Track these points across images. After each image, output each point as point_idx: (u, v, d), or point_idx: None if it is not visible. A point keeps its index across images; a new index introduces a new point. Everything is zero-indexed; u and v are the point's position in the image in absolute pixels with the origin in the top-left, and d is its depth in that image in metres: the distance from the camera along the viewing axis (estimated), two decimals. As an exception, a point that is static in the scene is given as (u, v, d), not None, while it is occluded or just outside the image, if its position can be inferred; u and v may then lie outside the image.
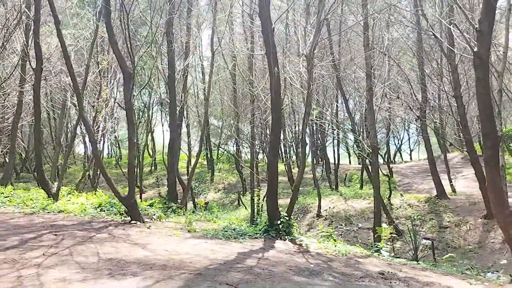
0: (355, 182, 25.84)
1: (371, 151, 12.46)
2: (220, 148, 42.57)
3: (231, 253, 7.31)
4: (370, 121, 12.33)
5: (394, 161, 41.46)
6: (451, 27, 7.39)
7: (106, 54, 18.07)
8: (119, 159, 40.08)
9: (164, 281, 5.30)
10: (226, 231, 9.33)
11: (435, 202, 18.37)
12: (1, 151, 19.91)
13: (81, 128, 39.56)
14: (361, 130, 23.70)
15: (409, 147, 47.48)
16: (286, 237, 9.15)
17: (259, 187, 20.24)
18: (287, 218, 9.36)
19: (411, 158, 46.72)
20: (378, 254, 9.43)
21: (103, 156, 32.05)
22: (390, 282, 6.29)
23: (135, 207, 9.68)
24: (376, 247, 10.23)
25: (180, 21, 18.90)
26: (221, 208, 25.99)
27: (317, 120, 18.99)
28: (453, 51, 16.64)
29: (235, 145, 34.25)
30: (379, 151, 23.08)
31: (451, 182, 21.13)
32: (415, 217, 17.36)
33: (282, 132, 25.63)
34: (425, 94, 19.01)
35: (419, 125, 20.71)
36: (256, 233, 9.35)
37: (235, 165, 35.14)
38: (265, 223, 9.48)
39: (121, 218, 10.19)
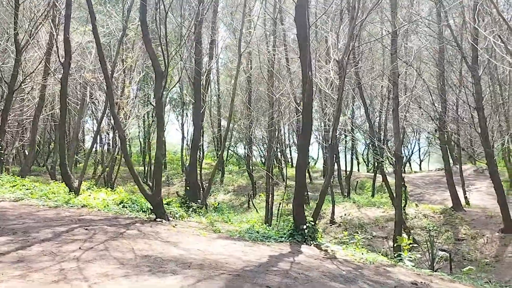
0: (367, 190, 25.72)
1: (394, 159, 12.41)
2: (229, 150, 42.55)
3: (262, 255, 7.28)
4: (395, 129, 12.28)
5: (404, 171, 41.22)
6: (491, 38, 7.30)
7: (131, 51, 18.14)
8: (130, 157, 40.09)
9: (205, 280, 5.29)
10: (252, 234, 9.31)
11: (451, 214, 18.26)
12: (18, 144, 20.05)
13: (93, 125, 39.78)
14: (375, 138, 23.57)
15: (419, 157, 47.22)
16: (311, 242, 9.10)
17: (269, 192, 20.17)
18: (312, 223, 9.32)
19: (420, 169, 46.44)
20: (402, 264, 9.36)
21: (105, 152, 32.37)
22: (426, 293, 6.23)
23: (160, 206, 9.69)
24: (399, 256, 10.15)
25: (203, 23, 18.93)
26: (231, 210, 25.95)
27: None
28: (476, 62, 16.60)
29: (246, 148, 34.24)
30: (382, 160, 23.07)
31: (465, 194, 21.00)
32: (431, 228, 17.24)
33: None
34: (445, 104, 18.94)
35: (436, 136, 20.57)
36: (281, 237, 9.31)
37: (245, 167, 35.13)
38: (290, 227, 9.44)
39: (146, 215, 10.20)
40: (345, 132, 29.09)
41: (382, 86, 23.49)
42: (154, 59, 9.62)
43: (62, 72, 17.32)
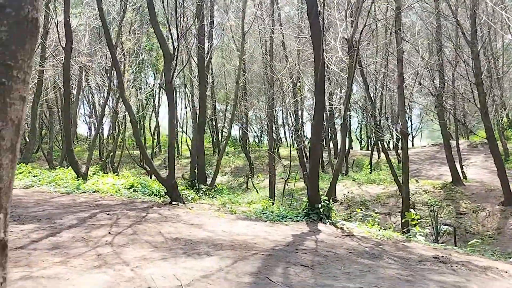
0: (366, 168, 25.93)
1: (401, 137, 12.51)
2: (224, 132, 42.55)
3: (285, 235, 7.36)
4: (400, 106, 12.33)
5: (395, 147, 41.54)
6: (503, 13, 7.25)
7: (131, 34, 17.84)
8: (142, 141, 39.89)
9: (241, 261, 5.35)
10: (269, 214, 9.39)
11: (451, 189, 18.55)
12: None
13: (84, 109, 39.39)
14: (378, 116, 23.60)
15: (411, 134, 47.59)
16: (327, 220, 9.22)
17: (272, 173, 20.25)
18: (327, 202, 9.42)
19: (413, 145, 46.85)
20: (416, 239, 9.53)
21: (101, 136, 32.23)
22: (451, 266, 6.37)
23: (175, 189, 9.70)
24: (408, 231, 10.33)
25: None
26: (230, 191, 26.05)
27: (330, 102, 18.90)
28: (475, 37, 16.68)
29: (241, 129, 34.21)
30: (383, 137, 23.28)
31: (463, 169, 21.28)
32: (432, 203, 17.51)
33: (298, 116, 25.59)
34: (443, 80, 19.08)
35: (435, 112, 20.72)
36: (296, 216, 9.41)
37: (241, 149, 35.18)
38: (305, 206, 9.52)
39: (160, 199, 10.21)
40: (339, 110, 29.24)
41: (375, 63, 23.52)
42: (162, 41, 9.49)
43: (58, 56, 17.11)
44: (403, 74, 12.27)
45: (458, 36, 18.06)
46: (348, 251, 6.62)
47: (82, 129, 45.99)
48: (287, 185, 20.80)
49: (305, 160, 27.06)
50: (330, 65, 11.71)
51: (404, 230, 12.02)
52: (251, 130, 42.41)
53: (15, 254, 5.02)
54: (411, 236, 9.79)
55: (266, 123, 32.45)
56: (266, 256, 5.68)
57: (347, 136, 35.43)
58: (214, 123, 36.50)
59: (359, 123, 42.83)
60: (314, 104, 9.21)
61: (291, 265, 5.38)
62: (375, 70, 23.98)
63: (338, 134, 31.60)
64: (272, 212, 9.84)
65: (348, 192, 19.68)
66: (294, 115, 27.25)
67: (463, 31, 16.74)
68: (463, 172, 20.98)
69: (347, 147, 30.80)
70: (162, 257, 5.27)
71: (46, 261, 4.83)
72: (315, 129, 9.10)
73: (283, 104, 21.24)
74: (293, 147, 30.88)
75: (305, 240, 7.08)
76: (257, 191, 24.43)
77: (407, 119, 41.73)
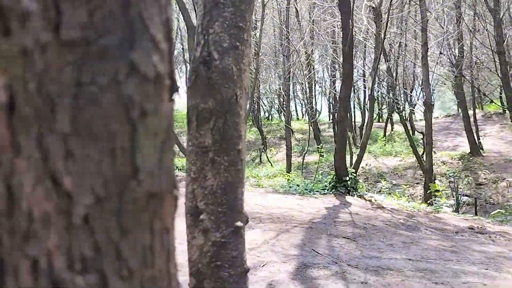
0: (380, 140, 25.77)
1: (425, 108, 12.34)
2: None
3: (318, 208, 7.35)
4: (424, 77, 12.12)
5: (410, 118, 41.23)
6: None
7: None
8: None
9: (284, 233, 5.35)
10: (297, 187, 9.36)
11: (469, 160, 18.43)
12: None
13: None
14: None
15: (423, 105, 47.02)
16: (354, 193, 9.18)
17: (289, 146, 20.18)
18: (354, 175, 9.37)
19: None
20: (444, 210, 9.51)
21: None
22: (490, 236, 6.35)
23: (201, 163, 9.68)
24: (433, 203, 10.30)
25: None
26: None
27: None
28: (498, 4, 16.27)
29: (254, 103, 33.93)
30: (397, 108, 23.03)
31: (479, 139, 21.09)
32: (451, 174, 17.43)
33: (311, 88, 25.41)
34: (462, 49, 18.70)
35: (454, 82, 20.36)
36: (323, 189, 9.36)
37: (252, 122, 35.07)
38: (332, 179, 9.47)
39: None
40: (356, 83, 28.94)
41: (391, 33, 23.06)
42: (185, 14, 9.31)
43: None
44: (427, 44, 12.00)
45: (481, 2, 17.61)
46: (384, 223, 6.60)
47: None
48: (304, 158, 20.77)
49: (319, 133, 26.98)
50: (356, 34, 11.44)
51: (428, 201, 12.01)
52: (262, 104, 42.20)
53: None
54: (438, 208, 9.77)
55: (277, 96, 32.36)
56: (307, 229, 5.68)
57: (359, 108, 35.22)
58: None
59: (370, 95, 42.38)
60: (342, 76, 9.06)
61: (333, 237, 5.38)
62: (393, 40, 23.59)
63: (353, 106, 31.33)
64: (298, 185, 9.81)
65: (366, 165, 19.61)
66: (308, 88, 27.01)
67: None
68: (479, 142, 20.80)
69: (355, 119, 30.68)
70: (205, 230, 5.27)
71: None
72: (342, 103, 8.97)
73: (297, 77, 20.96)
74: (304, 121, 30.80)
75: (339, 213, 7.06)
76: (271, 164, 24.42)
77: (420, 90, 41.27)
